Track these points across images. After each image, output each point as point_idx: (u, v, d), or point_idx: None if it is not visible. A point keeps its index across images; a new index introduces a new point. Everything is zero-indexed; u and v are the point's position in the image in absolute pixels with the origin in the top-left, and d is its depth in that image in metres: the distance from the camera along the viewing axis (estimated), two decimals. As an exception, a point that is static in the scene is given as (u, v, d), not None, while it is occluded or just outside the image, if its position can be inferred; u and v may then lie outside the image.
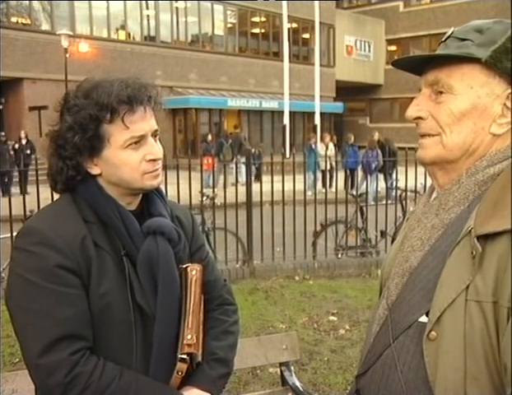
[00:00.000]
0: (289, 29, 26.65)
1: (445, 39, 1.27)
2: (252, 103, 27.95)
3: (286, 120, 24.92)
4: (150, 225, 1.55)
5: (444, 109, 1.23)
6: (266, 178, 7.28)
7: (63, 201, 1.57)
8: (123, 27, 25.39)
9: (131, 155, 1.50)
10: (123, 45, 24.60)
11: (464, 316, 1.11)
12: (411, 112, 1.28)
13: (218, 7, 28.01)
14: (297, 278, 7.16)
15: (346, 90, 33.58)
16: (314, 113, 26.09)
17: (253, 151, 19.98)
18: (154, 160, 1.53)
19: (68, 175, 1.52)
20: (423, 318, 1.20)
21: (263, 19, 29.97)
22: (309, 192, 9.17)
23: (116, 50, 23.89)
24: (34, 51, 21.41)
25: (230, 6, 28.29)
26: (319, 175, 13.88)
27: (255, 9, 29.03)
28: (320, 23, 27.55)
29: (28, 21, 22.25)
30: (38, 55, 21.52)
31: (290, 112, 25.34)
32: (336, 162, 8.74)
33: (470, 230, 1.14)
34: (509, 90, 1.20)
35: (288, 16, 25.39)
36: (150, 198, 1.63)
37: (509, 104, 1.20)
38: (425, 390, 1.18)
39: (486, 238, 1.11)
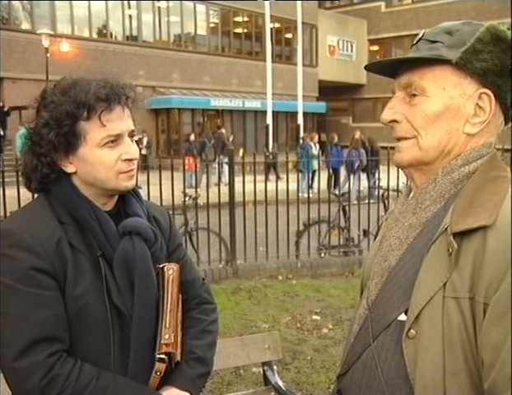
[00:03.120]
0: (271, 29, 26.69)
1: (417, 42, 1.28)
2: (235, 103, 27.93)
3: (269, 120, 24.95)
4: (126, 226, 1.54)
5: (418, 112, 1.24)
6: (248, 178, 7.27)
7: (38, 202, 1.55)
8: (105, 27, 25.24)
9: (107, 154, 1.49)
10: (105, 45, 24.43)
11: (442, 313, 1.13)
12: (386, 115, 1.29)
13: (200, 7, 27.95)
14: (280, 278, 7.17)
15: (328, 90, 33.69)
16: (296, 112, 26.17)
17: (271, 150, 19.97)
18: (130, 160, 1.52)
19: (43, 173, 1.50)
20: (402, 317, 1.20)
21: (246, 19, 29.96)
22: (302, 194, 9.13)
23: (98, 50, 23.71)
24: (15, 50, 21.17)
25: (213, 5, 28.24)
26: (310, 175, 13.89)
27: (238, 9, 29.02)
28: (303, 23, 27.62)
29: (8, 20, 22.01)
30: (18, 55, 21.30)
31: (273, 112, 25.39)
32: (319, 161, 8.77)
33: (446, 228, 1.15)
34: (481, 90, 1.21)
35: (271, 15, 25.42)
36: (126, 199, 1.62)
37: (481, 104, 1.22)
38: (406, 388, 1.18)
39: (461, 235, 1.13)
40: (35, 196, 1.61)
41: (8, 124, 20.24)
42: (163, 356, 1.51)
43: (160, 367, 1.52)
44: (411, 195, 1.33)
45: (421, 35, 1.28)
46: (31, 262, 1.41)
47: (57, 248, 1.44)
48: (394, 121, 1.28)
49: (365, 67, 1.36)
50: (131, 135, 1.54)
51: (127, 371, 1.51)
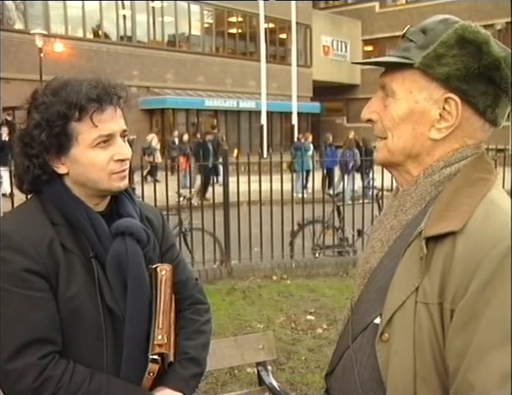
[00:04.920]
0: (266, 29, 26.71)
1: (402, 38, 1.25)
2: (229, 103, 27.92)
3: (264, 120, 24.97)
4: (118, 227, 1.54)
5: (387, 113, 1.23)
6: (243, 179, 7.27)
7: (30, 203, 1.54)
8: (99, 27, 25.18)
9: (99, 155, 1.48)
10: (98, 45, 24.38)
11: (414, 318, 1.12)
12: (363, 114, 1.29)
13: (195, 7, 27.92)
14: (275, 278, 7.17)
15: (323, 90, 33.71)
16: (291, 113, 26.20)
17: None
18: (122, 160, 1.52)
19: (34, 174, 1.50)
20: (378, 320, 1.20)
21: (240, 19, 29.96)
22: (296, 194, 9.13)
23: (92, 50, 23.66)
24: (8, 50, 21.08)
25: (207, 6, 28.22)
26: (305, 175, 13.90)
27: (232, 9, 29.01)
28: (297, 23, 27.66)
29: (1, 20, 21.92)
30: (12, 55, 21.20)
31: (267, 112, 25.42)
32: (313, 161, 8.78)
33: (420, 232, 1.14)
34: (447, 95, 1.17)
35: (265, 16, 25.44)
36: (118, 199, 1.62)
37: (448, 109, 1.18)
38: (380, 391, 1.18)
39: (435, 240, 1.12)
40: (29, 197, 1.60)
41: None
42: (156, 357, 1.51)
43: (153, 368, 1.52)
44: (394, 198, 1.31)
45: (404, 31, 1.25)
46: (24, 263, 1.41)
47: (49, 250, 1.44)
48: (370, 120, 1.28)
49: (353, 62, 1.40)
50: (123, 135, 1.54)
51: (120, 372, 1.51)
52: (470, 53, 1.15)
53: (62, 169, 1.51)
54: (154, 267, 1.59)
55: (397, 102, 1.21)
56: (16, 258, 1.41)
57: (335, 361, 1.34)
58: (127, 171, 1.55)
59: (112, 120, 1.49)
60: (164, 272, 1.58)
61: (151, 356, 1.51)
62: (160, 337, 1.52)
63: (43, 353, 1.40)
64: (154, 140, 19.59)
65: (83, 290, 1.47)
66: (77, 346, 1.47)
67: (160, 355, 1.52)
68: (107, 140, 1.49)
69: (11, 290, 1.40)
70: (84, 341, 1.48)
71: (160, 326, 1.53)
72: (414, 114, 1.20)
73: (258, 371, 2.92)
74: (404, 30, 1.25)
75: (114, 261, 1.51)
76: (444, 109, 1.18)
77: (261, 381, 2.91)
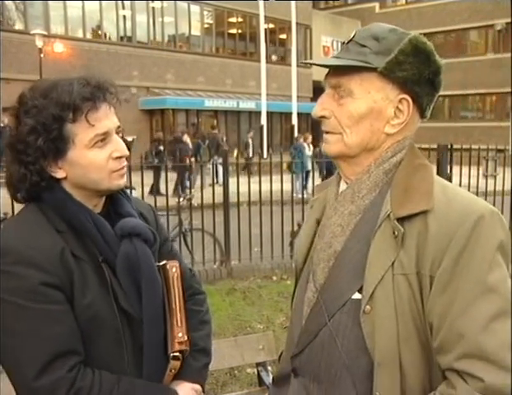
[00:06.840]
0: (266, 29, 26.69)
1: (348, 42, 1.41)
2: (229, 103, 27.92)
3: (264, 121, 24.97)
4: (123, 227, 1.51)
5: (345, 112, 1.37)
6: (243, 179, 7.27)
7: (30, 212, 1.48)
8: (99, 27, 25.17)
9: (97, 154, 1.45)
10: (98, 45, 24.37)
11: (393, 289, 1.28)
12: (316, 111, 1.44)
13: (195, 8, 27.93)
14: (275, 278, 7.18)
15: (323, 91, 33.51)
16: (291, 113, 26.18)
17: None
18: (120, 158, 1.49)
19: (32, 182, 1.43)
20: (356, 295, 1.34)
21: (240, 19, 29.95)
22: (296, 195, 9.12)
23: (92, 50, 23.65)
24: (8, 51, 21.08)
25: (207, 6, 28.22)
26: (304, 176, 13.88)
27: (232, 9, 29.01)
28: (297, 23, 27.64)
29: (1, 20, 21.93)
30: (11, 55, 21.20)
31: (267, 112, 25.41)
32: (312, 162, 8.78)
33: (389, 214, 1.31)
34: (401, 96, 1.36)
35: (265, 16, 25.43)
36: (115, 198, 1.59)
37: (401, 108, 1.36)
38: (365, 358, 1.32)
39: (403, 219, 1.29)
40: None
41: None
42: (177, 354, 1.54)
43: (174, 365, 1.55)
44: (346, 186, 1.45)
45: (352, 36, 1.41)
46: (38, 277, 1.36)
47: (61, 260, 1.40)
48: (323, 117, 1.41)
49: (302, 62, 1.63)
50: (117, 131, 1.50)
51: (141, 373, 1.51)
52: (422, 60, 1.35)
53: (60, 174, 1.46)
54: (162, 264, 1.58)
55: (356, 101, 1.36)
56: (30, 273, 1.36)
57: (306, 341, 1.43)
58: (125, 168, 1.52)
59: (107, 117, 1.46)
60: (174, 269, 1.58)
61: (172, 354, 1.53)
62: (180, 335, 1.54)
63: (70, 365, 1.37)
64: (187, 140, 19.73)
65: (98, 296, 1.44)
66: (98, 352, 1.45)
67: (181, 351, 1.55)
68: (104, 138, 1.45)
69: (28, 306, 1.35)
70: (104, 347, 1.46)
71: (179, 324, 1.55)
72: (372, 112, 1.36)
73: (258, 371, 2.94)
74: (352, 35, 1.42)
75: (124, 263, 1.48)
76: (397, 107, 1.37)
77: (261, 381, 2.92)
